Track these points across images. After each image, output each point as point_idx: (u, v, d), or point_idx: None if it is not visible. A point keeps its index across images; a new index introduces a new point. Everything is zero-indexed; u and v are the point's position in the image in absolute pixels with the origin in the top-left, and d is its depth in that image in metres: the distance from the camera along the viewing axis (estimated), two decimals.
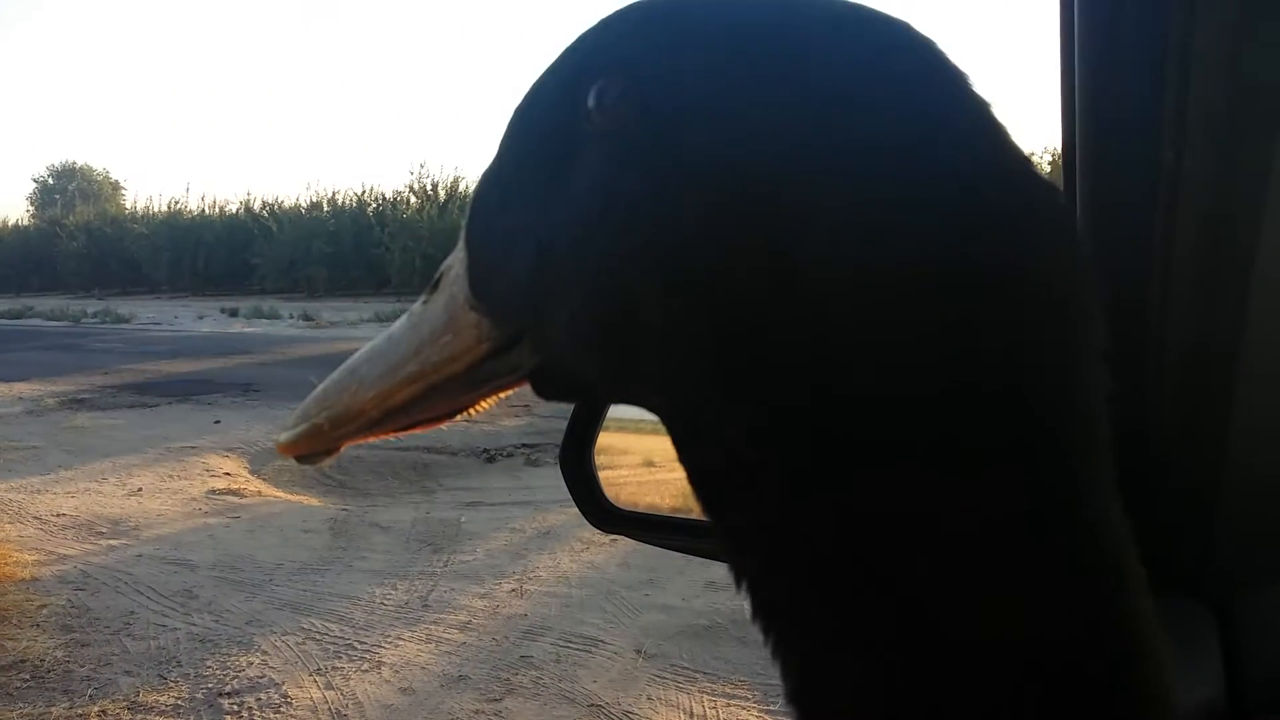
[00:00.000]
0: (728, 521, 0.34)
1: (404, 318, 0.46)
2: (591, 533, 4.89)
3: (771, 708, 3.16)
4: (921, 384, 0.29)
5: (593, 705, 3.18)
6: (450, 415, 0.47)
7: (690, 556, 4.48)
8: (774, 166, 0.31)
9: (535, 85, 0.41)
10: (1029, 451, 0.29)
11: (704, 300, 0.32)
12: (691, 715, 3.14)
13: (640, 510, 0.90)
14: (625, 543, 4.78)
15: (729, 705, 3.19)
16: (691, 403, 0.34)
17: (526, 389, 0.45)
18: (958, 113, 0.32)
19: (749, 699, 3.24)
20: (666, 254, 0.33)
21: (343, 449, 0.47)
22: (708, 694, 3.27)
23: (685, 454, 0.36)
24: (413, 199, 24.02)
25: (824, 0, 0.34)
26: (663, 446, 0.95)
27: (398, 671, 3.46)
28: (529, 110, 0.41)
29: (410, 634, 3.79)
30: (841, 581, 0.31)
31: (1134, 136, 0.59)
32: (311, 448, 0.46)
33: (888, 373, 0.29)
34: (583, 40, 0.39)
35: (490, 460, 6.66)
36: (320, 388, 0.46)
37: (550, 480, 5.97)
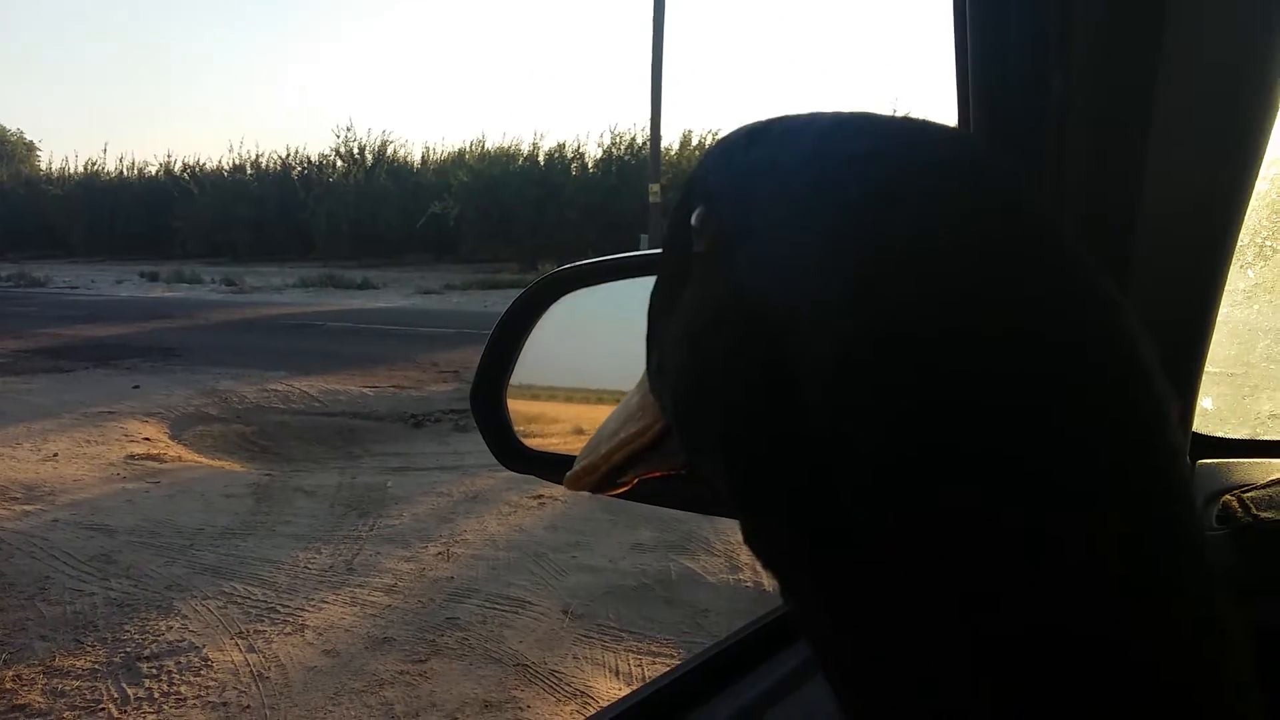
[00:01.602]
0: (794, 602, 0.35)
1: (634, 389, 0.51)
2: (519, 496, 4.90)
3: None
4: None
5: (519, 665, 3.19)
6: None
7: (617, 519, 4.51)
8: (803, 317, 0.31)
9: (676, 202, 0.44)
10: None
11: (723, 430, 0.34)
12: (617, 674, 3.17)
13: (553, 451, 0.91)
14: (553, 506, 4.80)
15: (654, 663, 3.22)
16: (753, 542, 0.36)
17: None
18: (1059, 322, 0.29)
19: (674, 657, 3.27)
20: (703, 371, 0.35)
21: (631, 484, 0.53)
22: (633, 653, 3.30)
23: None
24: (339, 163, 23.62)
25: (936, 144, 0.33)
26: (591, 414, 0.96)
27: (321, 634, 3.44)
28: (671, 223, 0.44)
29: (334, 597, 3.76)
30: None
31: (1025, 61, 0.60)
32: (579, 489, 0.54)
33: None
34: (701, 161, 0.42)
35: (418, 425, 6.62)
36: (592, 435, 0.53)
37: (479, 446, 5.90)
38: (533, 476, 0.93)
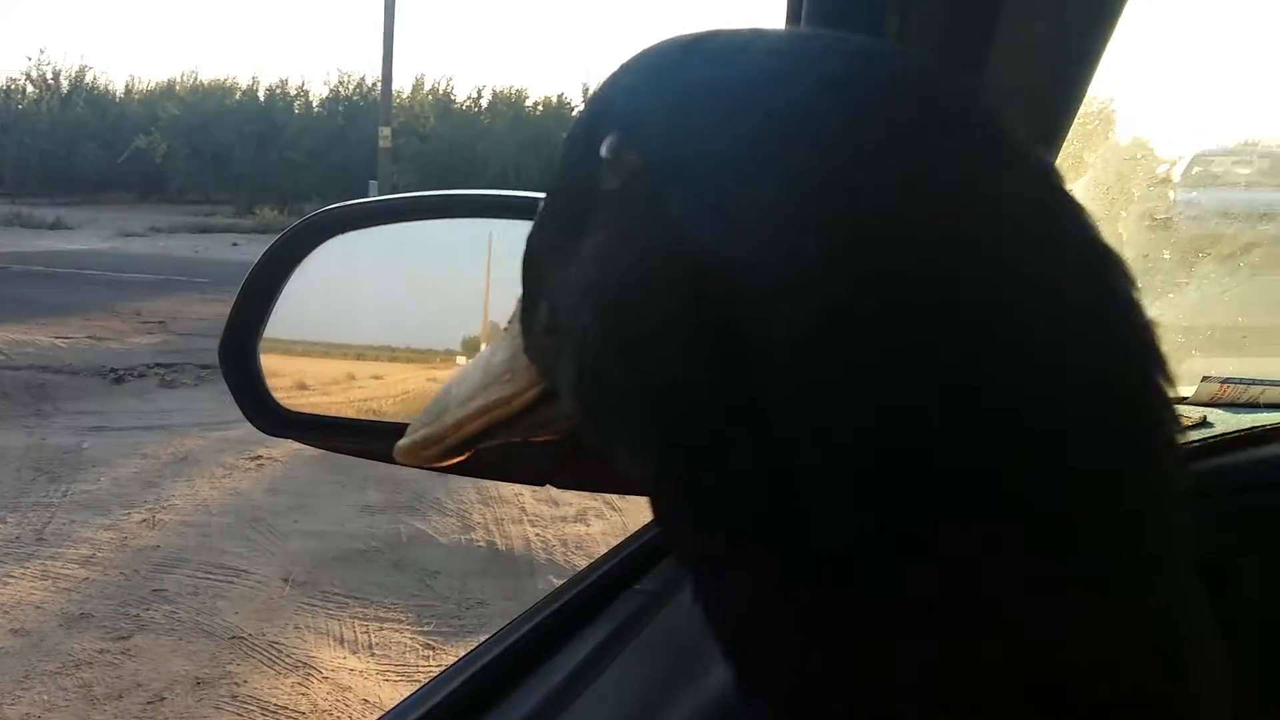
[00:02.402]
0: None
1: (489, 345, 0.45)
2: (234, 458, 4.63)
3: (425, 628, 3.16)
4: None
5: (234, 638, 3.02)
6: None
7: (344, 481, 4.35)
8: (749, 259, 0.26)
9: (572, 125, 0.37)
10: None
11: (656, 410, 0.29)
12: (343, 641, 3.06)
13: (314, 413, 0.83)
14: (272, 468, 4.57)
15: (382, 629, 3.14)
16: (663, 514, 0.31)
17: None
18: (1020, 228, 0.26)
19: (403, 621, 3.21)
20: (629, 338, 0.29)
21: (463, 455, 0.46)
22: (360, 619, 3.20)
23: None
24: (30, 89, 21.42)
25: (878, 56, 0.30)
26: (314, 368, 0.89)
27: (8, 612, 3.11)
28: (565, 153, 0.37)
29: (22, 571, 3.41)
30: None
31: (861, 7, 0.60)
32: (415, 463, 0.47)
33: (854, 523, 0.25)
34: (610, 81, 0.35)
35: (118, 381, 6.11)
36: (431, 400, 0.46)
37: (188, 403, 5.58)
38: (290, 440, 0.85)
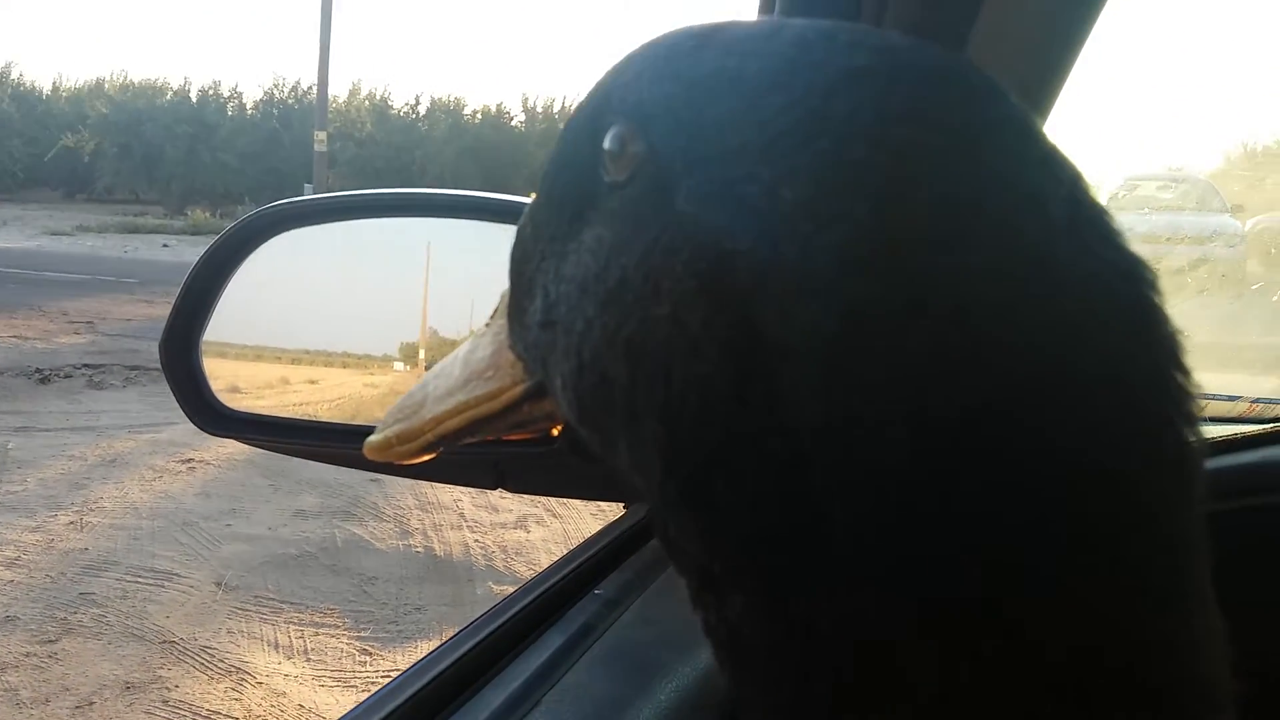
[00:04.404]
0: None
1: (470, 339, 0.43)
2: (165, 460, 4.54)
3: (362, 633, 3.12)
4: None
5: (165, 642, 2.96)
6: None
7: (277, 484, 4.27)
8: (763, 254, 0.25)
9: (574, 112, 0.36)
10: None
11: (662, 410, 0.28)
12: (278, 646, 3.01)
13: (257, 412, 0.82)
14: (204, 471, 4.48)
15: (317, 634, 3.10)
16: (663, 521, 0.30)
17: None
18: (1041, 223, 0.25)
19: (339, 626, 3.16)
20: (634, 334, 0.28)
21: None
22: (295, 624, 3.15)
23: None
24: None
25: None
26: (249, 371, 0.88)
27: None
28: (564, 143, 0.36)
29: None
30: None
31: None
32: (385, 460, 0.45)
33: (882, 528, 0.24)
34: (615, 72, 0.34)
35: (44, 381, 5.94)
36: (404, 395, 0.45)
37: (117, 404, 5.45)
38: (232, 440, 0.84)
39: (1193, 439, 0.25)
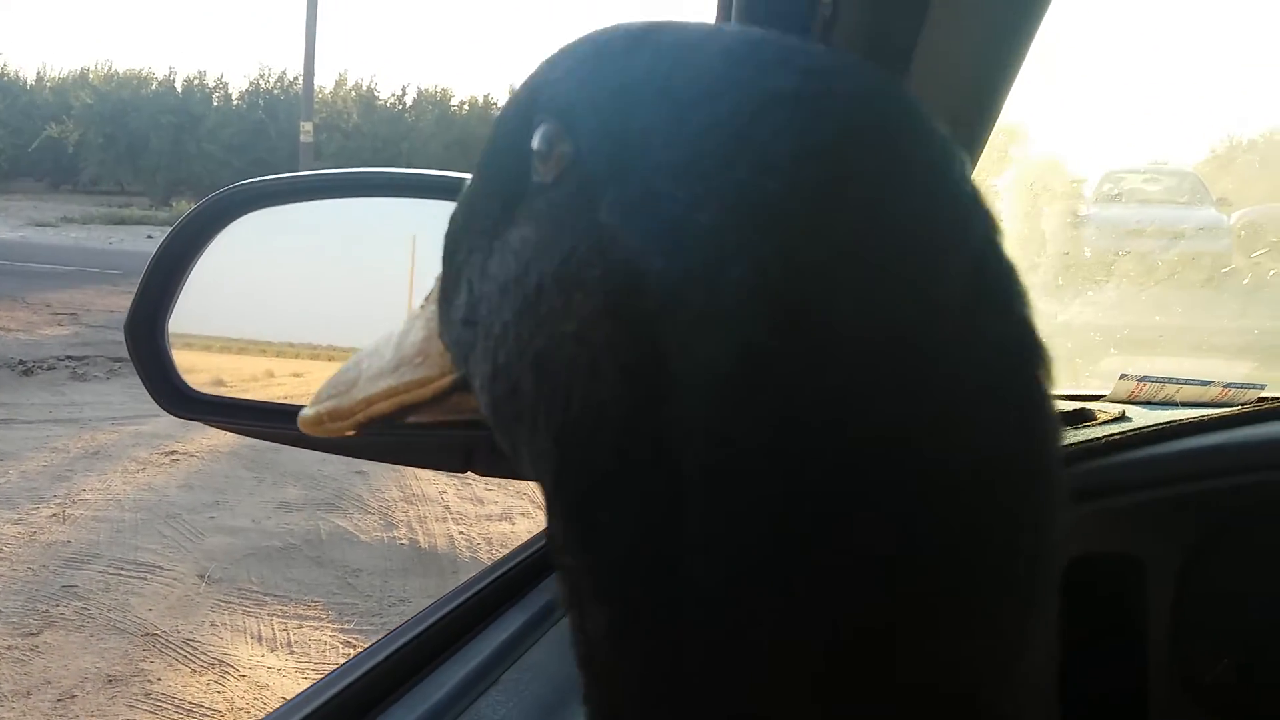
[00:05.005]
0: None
1: (406, 319, 0.42)
2: (148, 453, 4.52)
3: (346, 626, 3.11)
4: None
5: (147, 635, 2.94)
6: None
7: (261, 476, 4.26)
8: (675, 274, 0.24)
9: (507, 102, 0.34)
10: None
11: (560, 425, 0.27)
12: (260, 639, 3.00)
13: (221, 395, 0.82)
14: (188, 463, 4.47)
15: (301, 627, 3.09)
16: (550, 529, 0.30)
17: None
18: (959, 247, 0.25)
19: (323, 619, 3.15)
20: (543, 344, 0.28)
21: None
22: (278, 616, 3.14)
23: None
24: None
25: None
26: (232, 364, 0.88)
27: None
28: (495, 134, 0.34)
29: None
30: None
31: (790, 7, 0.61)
32: (319, 434, 0.43)
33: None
34: (548, 65, 0.32)
35: (27, 373, 5.91)
36: (337, 370, 0.43)
37: (100, 396, 5.43)
38: (196, 423, 0.83)
39: (1053, 544, 0.25)
